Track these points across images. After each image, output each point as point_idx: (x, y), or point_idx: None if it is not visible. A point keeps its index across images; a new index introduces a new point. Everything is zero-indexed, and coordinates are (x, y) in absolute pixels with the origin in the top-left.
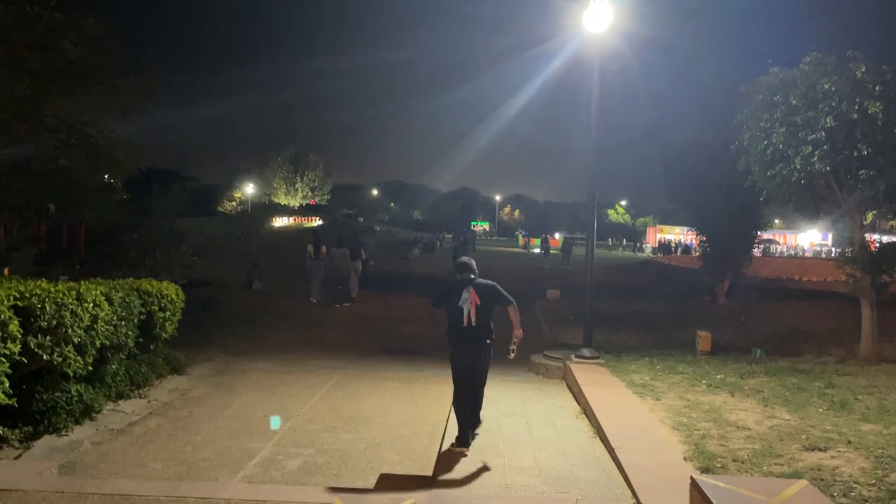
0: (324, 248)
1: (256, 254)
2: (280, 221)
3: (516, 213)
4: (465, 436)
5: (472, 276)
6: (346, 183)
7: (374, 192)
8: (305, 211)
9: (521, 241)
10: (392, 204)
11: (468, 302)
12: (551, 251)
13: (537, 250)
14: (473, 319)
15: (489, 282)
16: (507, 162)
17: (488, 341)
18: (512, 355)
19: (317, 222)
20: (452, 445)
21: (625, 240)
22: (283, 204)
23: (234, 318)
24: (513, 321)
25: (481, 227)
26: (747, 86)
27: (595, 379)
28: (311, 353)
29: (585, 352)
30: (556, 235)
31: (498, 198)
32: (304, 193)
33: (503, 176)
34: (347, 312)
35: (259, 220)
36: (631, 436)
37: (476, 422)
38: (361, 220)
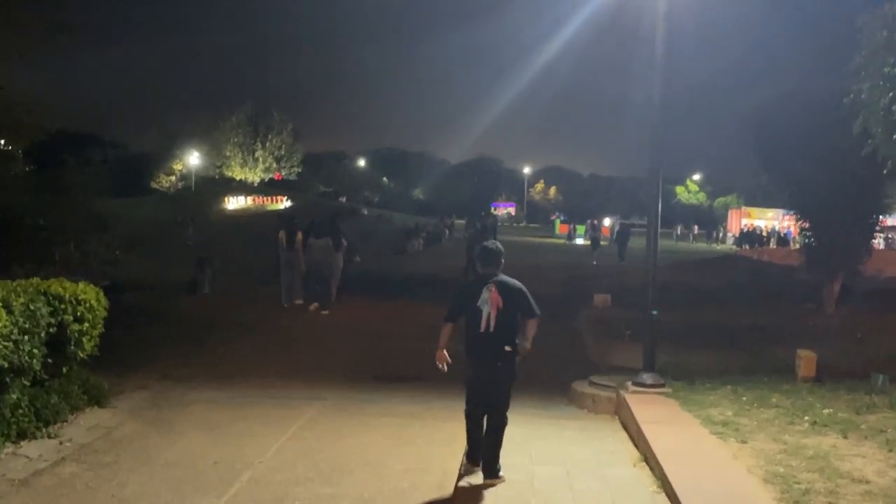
0: (300, 236)
1: (205, 246)
2: (235, 202)
3: (552, 190)
4: (476, 451)
5: (497, 271)
6: (322, 151)
7: (361, 163)
8: (268, 188)
9: (558, 227)
10: (385, 179)
11: (488, 303)
12: (601, 241)
13: (581, 241)
14: (493, 324)
15: (516, 282)
16: (541, 124)
17: (508, 349)
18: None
19: (284, 203)
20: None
21: (696, 227)
22: (238, 179)
23: (175, 332)
24: (527, 334)
25: (505, 210)
26: (867, 18)
27: (660, 414)
28: (279, 377)
29: (646, 378)
30: (606, 221)
31: (527, 171)
32: (267, 165)
33: (535, 142)
34: (327, 323)
35: (207, 202)
36: (708, 491)
37: (494, 462)
38: (344, 200)
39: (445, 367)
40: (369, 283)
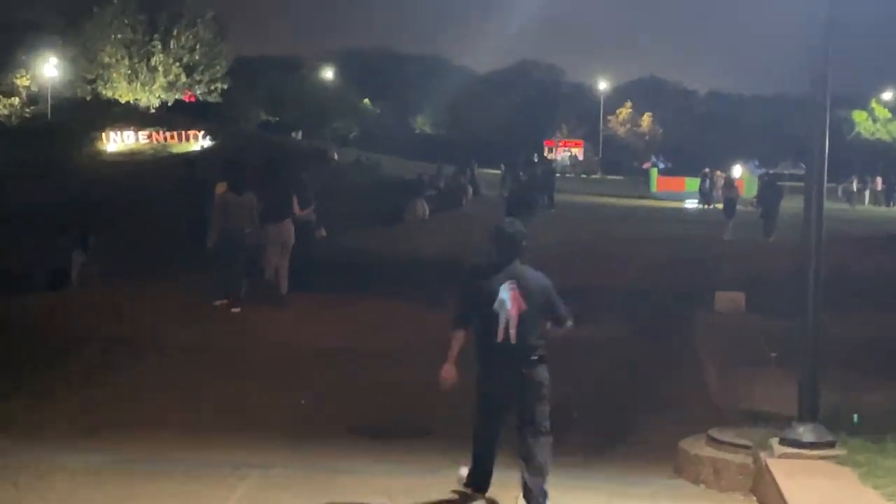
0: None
1: (71, 212)
2: (119, 140)
3: (645, 119)
4: (482, 479)
5: (516, 260)
6: (264, 55)
7: (328, 74)
8: (174, 117)
9: (655, 180)
10: (367, 102)
11: (508, 305)
12: (737, 204)
13: (693, 203)
14: (513, 333)
15: (541, 277)
16: (627, 9)
17: (534, 357)
18: None
19: (200, 141)
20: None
21: (880, 180)
22: (124, 103)
23: (25, 355)
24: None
25: (567, 151)
26: None
27: (827, 494)
28: (193, 429)
29: (804, 432)
30: (737, 171)
31: (604, 86)
32: (172, 79)
33: (617, 40)
34: (273, 339)
35: (73, 139)
36: None
37: (542, 497)
38: (299, 136)
39: (449, 387)
40: (342, 273)
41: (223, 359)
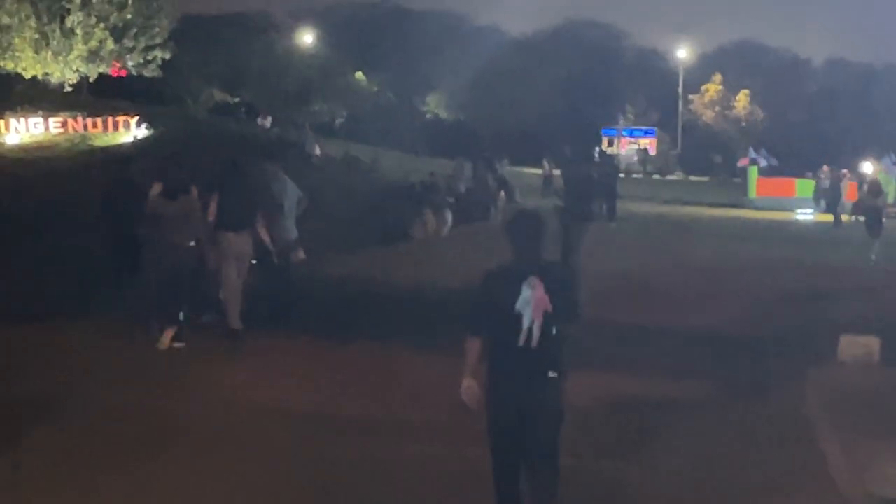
0: (195, 193)
1: None
2: (23, 129)
3: (741, 98)
4: None
5: (540, 254)
6: (220, 13)
7: (306, 38)
8: (96, 99)
9: (754, 183)
10: (360, 76)
11: (532, 304)
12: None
13: (807, 213)
14: (536, 336)
15: (566, 270)
16: None
17: (553, 374)
18: None
19: (133, 130)
20: None
21: None
22: (30, 77)
23: None
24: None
25: (634, 142)
26: None
27: None
28: None
29: None
30: (868, 169)
31: (684, 54)
32: (95, 45)
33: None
34: (224, 393)
35: None
36: None
37: None
38: (268, 123)
39: (475, 405)
40: (322, 309)
41: (162, 426)
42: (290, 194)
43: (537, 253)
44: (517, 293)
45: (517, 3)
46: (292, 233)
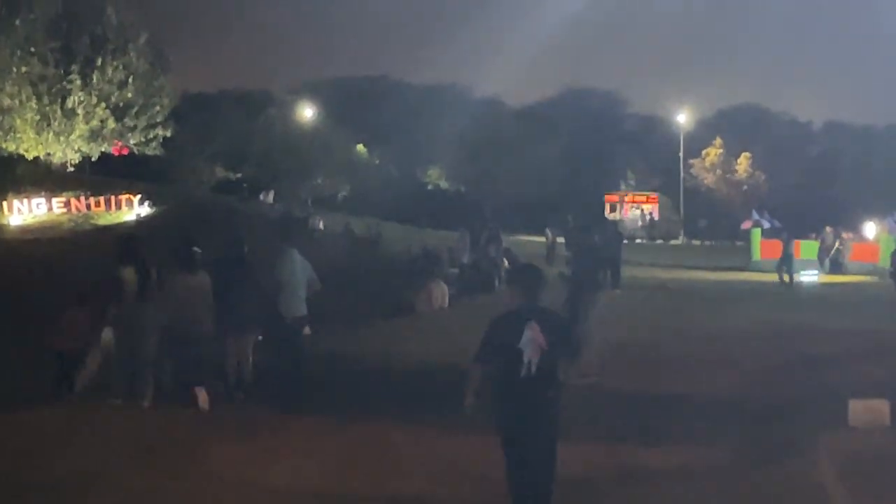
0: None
1: None
2: (26, 210)
3: (742, 162)
4: None
5: (537, 301)
6: (221, 90)
7: (306, 112)
8: (100, 177)
9: (758, 245)
10: (360, 148)
11: (531, 345)
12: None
13: (812, 275)
14: (534, 367)
15: (558, 315)
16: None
17: (551, 394)
18: None
19: (136, 208)
20: None
21: None
22: (32, 159)
23: None
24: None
25: (637, 208)
26: None
27: None
28: None
29: None
30: (871, 231)
31: (684, 119)
32: (97, 125)
33: (698, 61)
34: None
35: None
36: None
37: None
38: (271, 199)
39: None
40: (330, 385)
41: None
42: (300, 271)
43: (536, 301)
44: (520, 333)
45: (518, 75)
46: (301, 310)
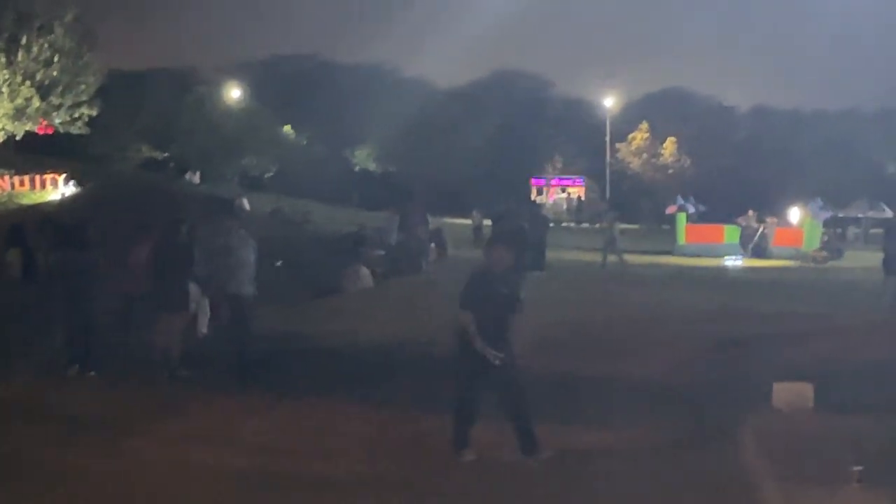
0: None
1: None
2: None
3: (668, 146)
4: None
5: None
6: (147, 68)
7: (234, 92)
8: (22, 157)
9: (683, 230)
10: (288, 129)
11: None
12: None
13: (736, 260)
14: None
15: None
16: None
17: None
18: None
19: (60, 187)
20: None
21: None
22: None
23: None
24: None
25: (565, 191)
26: None
27: None
28: None
29: None
30: (795, 216)
31: (610, 103)
32: (21, 103)
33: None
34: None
35: None
36: None
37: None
38: (196, 178)
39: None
40: (260, 364)
41: (79, 485)
42: (251, 250)
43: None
44: (505, 285)
45: (446, 55)
46: (251, 289)
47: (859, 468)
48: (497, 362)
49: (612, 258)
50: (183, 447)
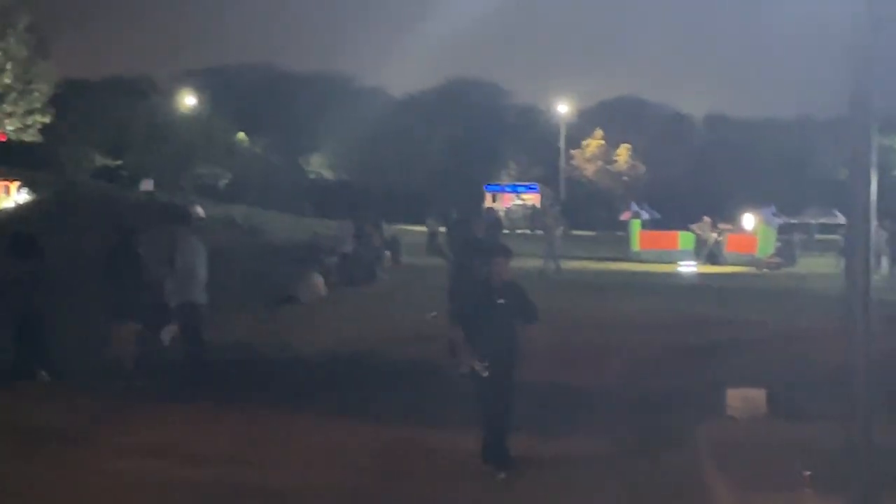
0: None
1: None
2: None
3: (622, 153)
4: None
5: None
6: (100, 77)
7: (188, 100)
8: None
9: (637, 235)
10: (241, 136)
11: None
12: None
13: (690, 265)
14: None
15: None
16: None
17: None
18: None
19: (15, 194)
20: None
21: None
22: None
23: None
24: None
25: (520, 198)
26: None
27: None
28: None
29: None
30: (749, 222)
31: (565, 110)
32: None
33: (579, 53)
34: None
35: None
36: None
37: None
38: (150, 186)
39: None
40: (213, 375)
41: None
42: (202, 258)
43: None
44: (496, 296)
45: (402, 65)
46: (203, 297)
47: (808, 472)
48: (486, 374)
49: (550, 264)
50: (134, 458)
